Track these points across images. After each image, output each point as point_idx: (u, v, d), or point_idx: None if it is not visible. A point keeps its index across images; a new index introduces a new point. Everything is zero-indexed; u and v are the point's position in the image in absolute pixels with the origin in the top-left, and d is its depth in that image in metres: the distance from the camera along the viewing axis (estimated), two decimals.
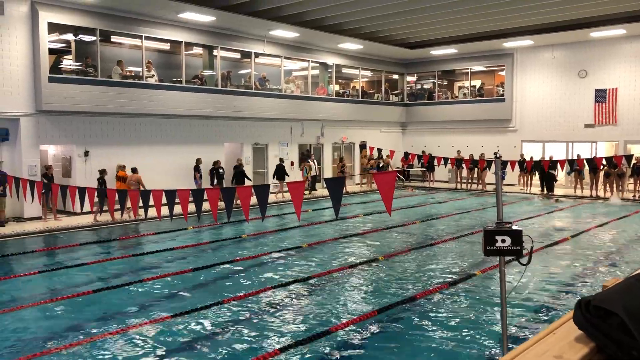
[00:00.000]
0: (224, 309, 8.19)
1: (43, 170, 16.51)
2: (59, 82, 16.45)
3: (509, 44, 24.67)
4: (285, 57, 23.44)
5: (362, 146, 27.63)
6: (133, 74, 18.78)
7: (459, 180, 25.75)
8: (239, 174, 19.63)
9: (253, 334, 7.23)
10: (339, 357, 6.47)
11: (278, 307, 8.39)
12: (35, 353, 6.51)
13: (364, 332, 7.32)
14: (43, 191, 14.34)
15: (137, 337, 7.08)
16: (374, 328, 7.46)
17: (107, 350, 6.67)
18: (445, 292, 9.03)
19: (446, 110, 28.10)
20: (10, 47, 15.68)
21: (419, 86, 30.76)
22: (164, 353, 6.61)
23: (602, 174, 21.54)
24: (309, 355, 6.50)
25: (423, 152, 27.15)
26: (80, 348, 6.69)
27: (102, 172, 16.69)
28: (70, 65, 17.85)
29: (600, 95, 23.52)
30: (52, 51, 16.71)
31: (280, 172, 21.90)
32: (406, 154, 27.56)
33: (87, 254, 12.49)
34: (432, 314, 7.94)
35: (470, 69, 27.71)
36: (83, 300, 8.74)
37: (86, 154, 17.53)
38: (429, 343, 6.87)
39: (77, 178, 17.07)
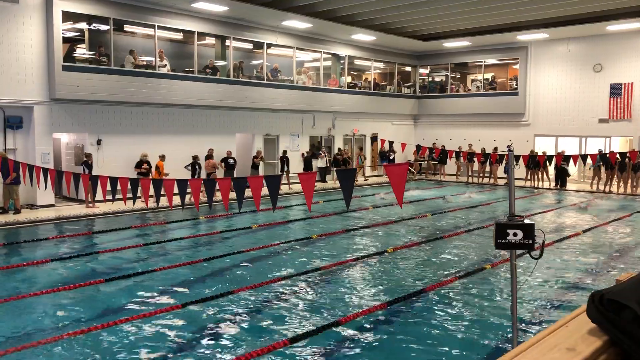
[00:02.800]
0: (234, 299, 8.23)
1: (83, 158, 16.88)
2: (73, 70, 16.54)
3: (524, 37, 24.43)
4: (298, 48, 23.39)
5: (374, 139, 27.55)
6: (145, 63, 18.83)
7: (470, 174, 25.62)
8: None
9: (262, 324, 7.27)
10: (348, 349, 6.48)
11: (287, 297, 8.41)
12: (45, 339, 6.58)
13: (374, 324, 7.33)
14: (75, 179, 14.47)
15: (147, 326, 7.14)
16: (383, 320, 7.46)
17: (117, 338, 6.73)
18: (455, 285, 9.01)
19: (458, 103, 27.92)
20: (25, 36, 15.77)
21: (431, 78, 30.58)
22: (173, 342, 6.66)
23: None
24: (319, 346, 6.52)
25: (434, 144, 27.04)
26: (90, 336, 6.75)
27: (142, 162, 17.33)
28: (84, 54, 17.94)
29: (616, 90, 23.25)
30: (65, 40, 16.79)
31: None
32: (418, 147, 27.45)
33: (98, 242, 12.61)
34: (442, 307, 7.93)
35: (484, 61, 27.49)
36: (94, 288, 8.82)
37: (99, 142, 17.64)
38: (439, 336, 6.86)
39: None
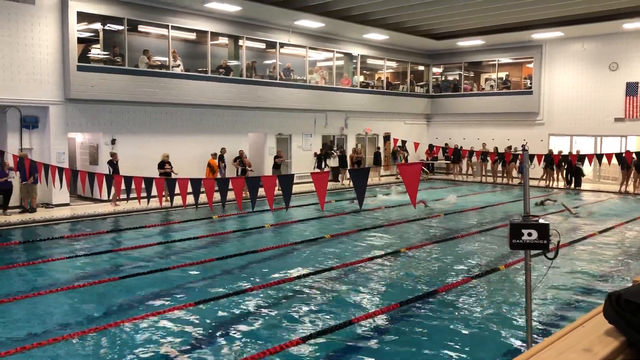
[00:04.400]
0: (247, 298, 8.26)
1: (108, 157, 17.11)
2: (87, 70, 16.69)
3: (538, 35, 24.22)
4: (310, 48, 23.39)
5: (386, 138, 27.48)
6: (159, 63, 18.95)
7: (484, 173, 25.47)
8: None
9: (275, 322, 7.28)
10: (360, 348, 6.47)
11: (300, 297, 8.42)
12: (60, 336, 6.65)
13: (386, 323, 7.31)
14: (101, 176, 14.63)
15: (160, 323, 7.18)
16: (396, 320, 7.44)
17: (130, 336, 6.78)
18: (468, 286, 8.96)
19: (472, 102, 27.77)
20: (41, 37, 15.93)
21: (444, 77, 30.44)
22: (186, 340, 6.69)
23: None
24: (331, 345, 6.52)
25: (446, 144, 26.91)
26: (104, 333, 6.81)
27: (164, 163, 17.58)
28: (98, 54, 18.09)
29: (632, 89, 22.98)
30: (80, 40, 16.94)
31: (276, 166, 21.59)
32: (431, 147, 27.36)
33: (113, 241, 12.72)
34: (455, 307, 7.89)
35: (498, 60, 27.31)
36: (108, 286, 8.89)
37: (113, 142, 17.77)
38: (452, 336, 6.83)
39: (104, 166, 17.31)
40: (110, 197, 16.33)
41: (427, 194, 20.23)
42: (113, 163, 16.90)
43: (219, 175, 18.52)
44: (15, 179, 15.50)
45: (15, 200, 15.77)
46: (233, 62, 21.22)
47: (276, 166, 21.02)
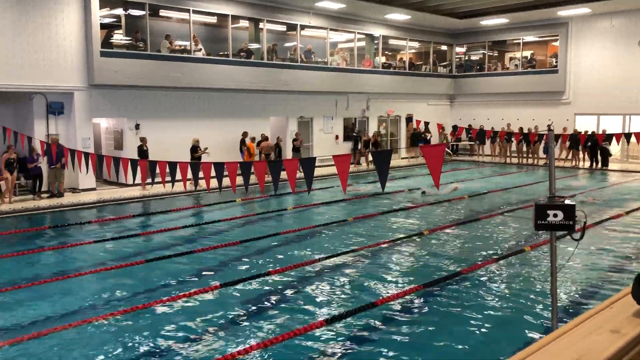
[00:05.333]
0: (271, 280, 8.34)
1: (133, 142, 17.34)
2: (110, 56, 16.83)
3: (564, 12, 23.64)
4: (331, 29, 23.21)
5: (409, 119, 27.25)
6: (181, 48, 19.01)
7: (508, 154, 25.13)
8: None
9: (299, 304, 7.34)
10: (384, 330, 6.50)
11: (324, 279, 8.47)
12: (89, 318, 6.81)
13: (410, 305, 7.32)
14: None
15: (187, 305, 7.30)
16: (419, 302, 7.44)
17: (158, 317, 6.91)
18: (493, 267, 8.91)
19: (496, 82, 27.31)
20: (64, 23, 16.08)
21: (468, 57, 29.97)
22: (212, 321, 6.79)
23: None
24: (355, 327, 6.56)
25: (470, 125, 26.59)
26: (132, 315, 6.95)
27: (196, 148, 17.69)
28: (121, 39, 18.21)
29: None
30: (103, 26, 17.06)
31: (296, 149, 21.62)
32: (454, 127, 27.06)
33: (138, 225, 12.92)
34: (479, 289, 7.86)
35: (522, 39, 26.76)
36: (136, 269, 9.05)
37: (137, 127, 17.96)
38: (477, 317, 6.81)
39: (129, 151, 17.52)
40: (140, 181, 16.52)
41: (452, 176, 20.08)
42: (143, 149, 17.09)
43: (256, 159, 18.75)
44: (43, 164, 15.80)
45: (43, 186, 16.09)
46: (254, 46, 21.18)
47: (296, 149, 21.01)
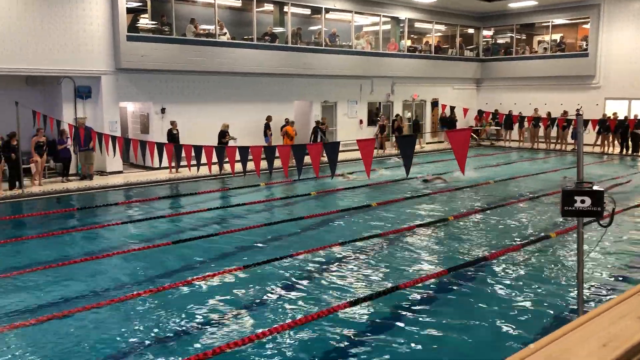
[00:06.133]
0: (294, 263, 8.41)
1: (169, 126, 17.51)
2: (137, 40, 16.97)
3: None
4: (356, 12, 23.00)
5: (434, 104, 26.98)
6: (206, 32, 19.07)
7: (536, 139, 24.73)
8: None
9: (323, 287, 7.40)
10: (408, 314, 6.52)
11: (348, 262, 8.51)
12: (118, 297, 6.97)
13: (434, 290, 7.32)
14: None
15: (210, 286, 7.42)
16: (443, 287, 7.43)
17: (183, 298, 7.03)
18: (518, 253, 8.83)
19: (524, 66, 26.80)
20: (91, 7, 16.25)
21: (495, 41, 29.44)
22: (235, 303, 6.89)
23: None
24: (379, 310, 6.59)
25: (496, 110, 26.21)
26: (158, 295, 7.09)
27: (225, 133, 17.87)
28: (147, 24, 18.34)
29: None
30: (129, 10, 17.18)
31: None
32: (480, 112, 26.71)
33: (165, 207, 13.11)
34: (504, 275, 7.81)
35: (552, 22, 26.16)
36: (162, 251, 9.20)
37: (162, 111, 18.13)
38: (501, 302, 6.78)
39: (155, 134, 17.73)
40: (166, 165, 16.74)
41: (478, 161, 19.88)
42: (172, 132, 17.26)
43: (295, 142, 18.87)
44: (71, 147, 16.10)
45: (72, 168, 16.41)
46: (278, 29, 21.13)
47: (322, 133, 21.00)
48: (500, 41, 29.24)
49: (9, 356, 5.50)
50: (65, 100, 16.59)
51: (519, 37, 28.11)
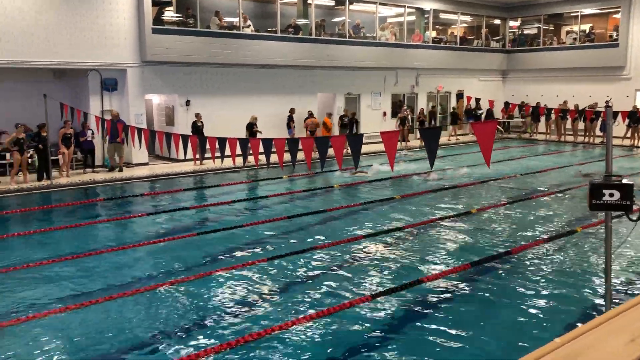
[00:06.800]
0: (317, 255, 8.42)
1: (194, 118, 17.66)
2: (162, 33, 17.10)
3: None
4: (380, 3, 22.82)
5: (459, 96, 26.68)
6: (230, 24, 19.12)
7: (563, 132, 24.30)
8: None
9: (344, 280, 7.40)
10: (430, 307, 6.48)
11: (370, 255, 8.49)
12: (143, 287, 7.08)
13: (457, 284, 7.26)
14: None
15: (234, 277, 7.47)
16: (466, 281, 7.37)
17: (206, 289, 7.10)
18: (544, 247, 8.71)
19: (552, 57, 26.31)
20: (118, 1, 16.41)
21: (521, 31, 28.95)
22: (257, 294, 6.93)
23: None
24: (400, 304, 6.56)
25: (523, 102, 25.80)
26: (183, 286, 7.18)
27: (253, 125, 17.99)
28: (172, 16, 18.47)
29: None
30: (154, 3, 17.30)
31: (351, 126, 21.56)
32: (506, 104, 26.32)
33: (189, 199, 13.25)
34: (528, 269, 7.71)
35: (580, 11, 25.61)
36: (186, 242, 9.30)
37: (187, 103, 18.27)
38: (526, 297, 6.70)
39: (180, 127, 17.88)
40: (191, 157, 16.90)
41: (503, 154, 19.63)
42: (197, 124, 17.40)
43: (333, 133, 18.96)
44: (97, 139, 16.34)
45: (98, 160, 16.66)
46: (302, 21, 21.09)
47: (344, 125, 20.94)
48: (527, 32, 28.74)
49: (36, 343, 5.64)
50: (92, 92, 16.82)
51: (546, 27, 27.59)
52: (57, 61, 15.54)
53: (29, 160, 15.24)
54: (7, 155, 15.04)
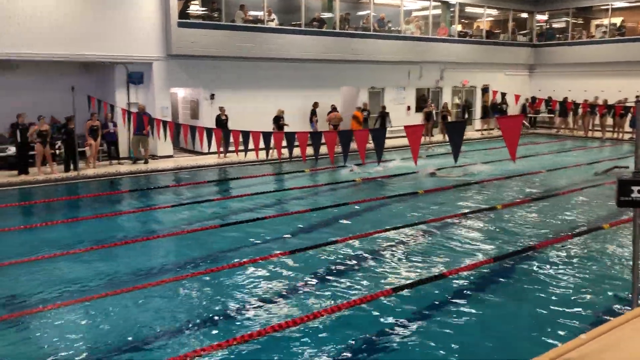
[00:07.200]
0: (339, 248, 8.43)
1: (217, 111, 17.81)
2: (187, 27, 17.22)
3: None
4: None
5: (484, 90, 26.36)
6: (255, 18, 19.16)
7: (590, 127, 23.85)
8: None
9: (366, 273, 7.40)
10: (452, 301, 6.44)
11: (393, 248, 8.47)
12: (168, 278, 7.17)
13: (480, 278, 7.21)
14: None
15: (258, 269, 7.53)
16: (490, 275, 7.31)
17: (228, 281, 7.17)
18: (569, 243, 8.59)
19: (580, 51, 25.81)
20: None
21: (549, 25, 28.44)
22: (280, 287, 6.97)
23: None
24: (423, 297, 6.54)
25: (549, 97, 25.35)
26: (208, 276, 7.26)
27: (279, 118, 18.07)
28: (197, 10, 18.59)
29: None
30: None
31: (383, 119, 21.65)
32: (533, 99, 25.91)
33: (212, 191, 13.37)
34: (553, 265, 7.61)
35: (611, 5, 25.05)
36: (209, 233, 9.39)
37: (212, 97, 18.40)
38: (550, 293, 6.62)
39: (204, 120, 18.02)
40: (215, 149, 17.02)
41: (529, 149, 19.37)
42: (221, 118, 17.52)
43: (364, 127, 19.03)
44: (120, 131, 16.55)
45: (124, 151, 16.89)
46: (326, 15, 21.03)
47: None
48: (555, 26, 28.24)
49: (62, 331, 5.76)
50: (118, 85, 17.06)
51: (575, 21, 27.06)
52: (84, 54, 15.76)
53: (57, 151, 15.55)
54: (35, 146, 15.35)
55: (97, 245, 8.61)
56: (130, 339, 5.59)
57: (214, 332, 5.71)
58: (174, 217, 10.64)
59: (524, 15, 28.04)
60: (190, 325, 5.86)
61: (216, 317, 6.07)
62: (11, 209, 11.62)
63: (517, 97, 23.16)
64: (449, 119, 22.83)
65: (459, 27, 25.24)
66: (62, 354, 5.28)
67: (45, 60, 15.40)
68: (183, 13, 17.57)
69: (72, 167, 14.90)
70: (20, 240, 9.18)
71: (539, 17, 28.10)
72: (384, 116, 21.15)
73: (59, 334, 5.68)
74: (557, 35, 27.61)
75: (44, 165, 14.60)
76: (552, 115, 25.70)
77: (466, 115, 25.13)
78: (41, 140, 14.28)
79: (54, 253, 8.20)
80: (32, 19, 14.67)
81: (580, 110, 23.18)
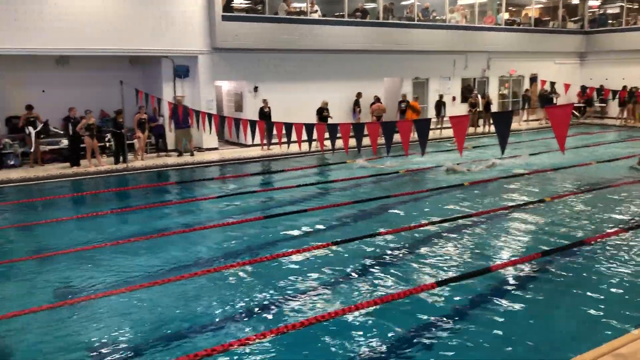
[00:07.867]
0: (382, 241, 8.38)
1: (260, 104, 18.03)
2: (231, 20, 17.37)
3: None
4: None
5: (533, 79, 25.63)
6: (298, 10, 19.19)
7: None
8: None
9: (410, 265, 7.33)
10: (498, 296, 6.32)
11: (437, 242, 8.36)
12: (213, 267, 7.29)
13: (527, 273, 7.03)
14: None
15: (299, 261, 7.56)
16: (537, 270, 7.12)
17: (272, 271, 7.23)
18: (621, 237, 8.28)
19: (635, 37, 24.74)
20: None
21: (602, 11, 27.36)
22: (321, 278, 6.98)
23: None
24: (467, 292, 6.44)
25: (601, 86, 24.47)
26: (252, 267, 7.34)
27: (323, 109, 18.16)
28: (241, 3, 18.73)
29: None
30: None
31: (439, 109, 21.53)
32: (583, 88, 25.07)
33: (256, 183, 13.51)
34: (603, 260, 7.34)
35: None
36: (253, 225, 9.49)
37: (255, 89, 18.54)
38: (599, 288, 6.40)
39: (248, 112, 18.20)
40: (259, 142, 17.20)
41: (579, 140, 18.76)
42: (264, 110, 17.66)
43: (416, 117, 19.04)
44: (167, 124, 16.89)
45: (170, 144, 17.24)
46: (370, 5, 20.85)
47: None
48: (609, 11, 27.14)
49: (103, 320, 5.93)
50: (164, 79, 17.40)
51: (630, 6, 25.94)
52: (132, 49, 16.13)
53: (107, 144, 16.03)
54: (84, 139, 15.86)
55: (144, 236, 8.82)
56: (176, 327, 5.71)
57: (257, 322, 5.77)
58: (218, 209, 10.81)
59: (575, 1, 27.06)
60: (231, 316, 5.94)
61: (258, 308, 6.13)
62: (62, 200, 12.02)
63: (566, 87, 22.45)
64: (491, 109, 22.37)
65: (506, 15, 24.58)
66: (110, 342, 5.44)
67: (94, 55, 15.85)
68: (227, 7, 17.74)
69: (121, 159, 15.32)
70: (72, 229, 9.51)
71: (591, 2, 27.05)
72: (439, 105, 21.45)
73: (97, 323, 5.83)
74: (611, 21, 26.57)
75: (93, 158, 15.06)
76: (603, 104, 24.76)
77: (527, 105, 24.54)
78: (89, 133, 14.74)
79: (103, 243, 8.45)
80: (81, 16, 15.11)
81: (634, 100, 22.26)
